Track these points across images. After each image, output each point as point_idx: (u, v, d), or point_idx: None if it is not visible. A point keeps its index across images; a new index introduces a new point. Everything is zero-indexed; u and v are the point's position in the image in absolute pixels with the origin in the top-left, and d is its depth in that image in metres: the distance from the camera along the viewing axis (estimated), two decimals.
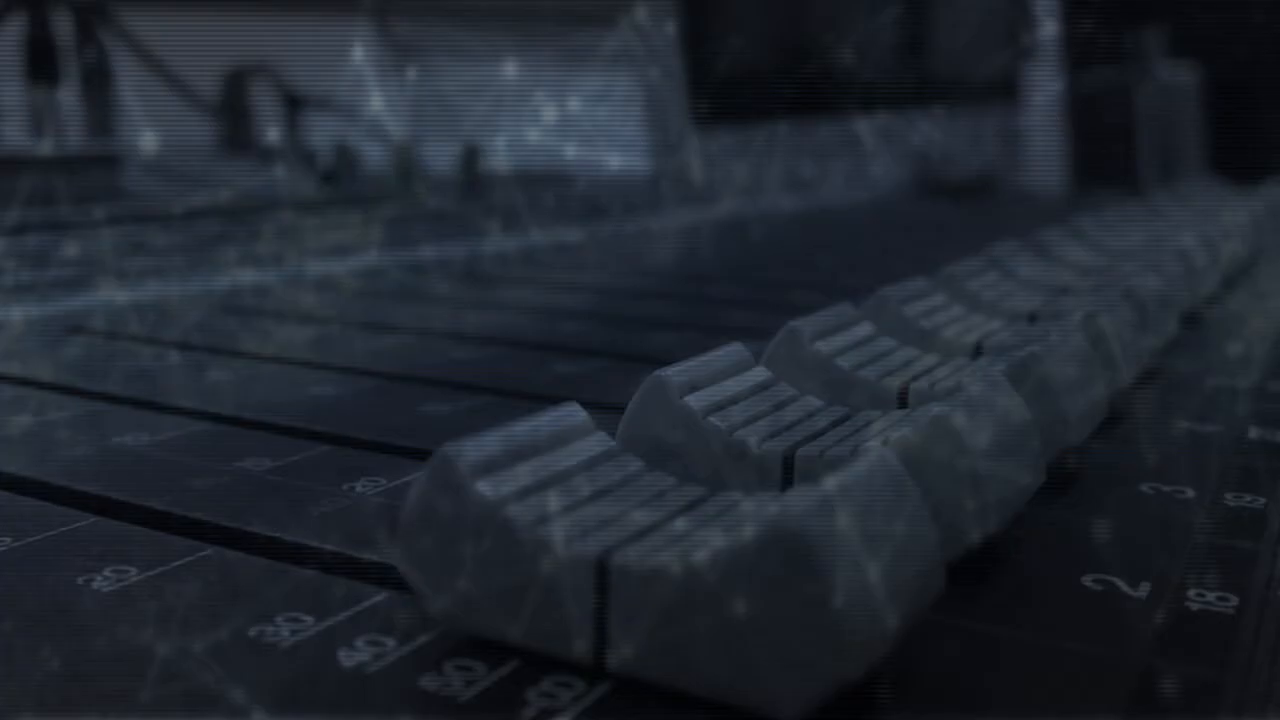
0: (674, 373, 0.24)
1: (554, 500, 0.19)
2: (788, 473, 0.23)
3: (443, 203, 1.04)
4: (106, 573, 0.22)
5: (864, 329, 0.31)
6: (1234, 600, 0.20)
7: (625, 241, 0.85)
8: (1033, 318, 0.37)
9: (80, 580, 0.21)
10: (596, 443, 0.21)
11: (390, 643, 0.19)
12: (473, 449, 0.19)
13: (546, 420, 0.20)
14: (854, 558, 0.16)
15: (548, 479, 0.19)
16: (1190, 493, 0.26)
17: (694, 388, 0.24)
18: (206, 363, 0.42)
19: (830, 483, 0.17)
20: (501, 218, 0.88)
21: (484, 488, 0.18)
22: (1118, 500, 0.26)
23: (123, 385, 0.38)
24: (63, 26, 1.28)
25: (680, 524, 0.18)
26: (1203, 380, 0.38)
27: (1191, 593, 0.21)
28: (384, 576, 0.21)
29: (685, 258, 0.80)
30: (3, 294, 0.58)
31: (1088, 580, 0.21)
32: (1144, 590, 0.21)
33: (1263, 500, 0.26)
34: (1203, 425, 0.32)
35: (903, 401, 0.27)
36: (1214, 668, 0.18)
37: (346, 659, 0.18)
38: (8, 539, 0.23)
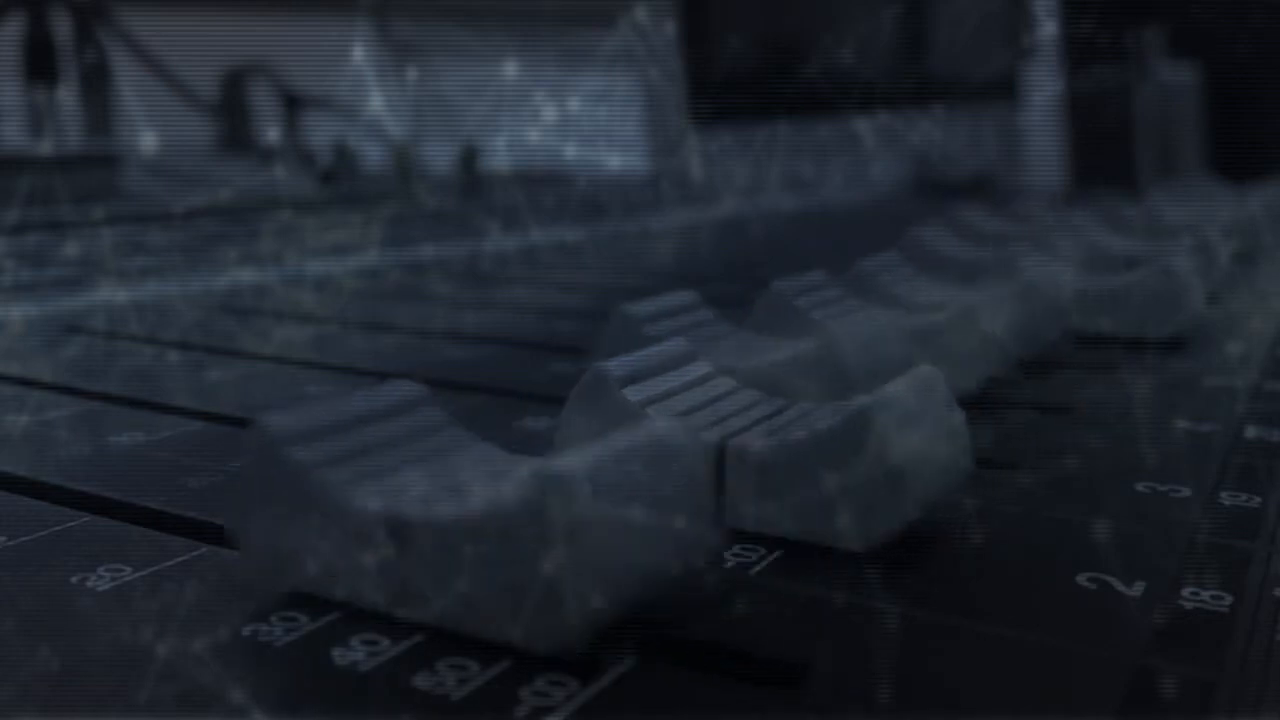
0: (614, 365, 0.25)
1: (365, 464, 0.20)
2: (720, 462, 0.23)
3: (442, 203, 1.04)
4: (101, 571, 0.22)
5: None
6: (1229, 599, 0.20)
7: (625, 241, 0.85)
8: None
9: (75, 579, 0.21)
10: (425, 415, 0.22)
11: (384, 641, 0.19)
12: (287, 417, 0.20)
13: (374, 393, 0.21)
14: (601, 528, 0.17)
15: (364, 447, 0.20)
16: (1186, 491, 0.26)
17: (634, 380, 0.25)
18: (205, 362, 0.42)
19: (583, 454, 0.18)
20: (501, 218, 0.88)
21: (298, 454, 0.19)
22: (1113, 499, 0.26)
23: (120, 385, 0.38)
24: (61, 26, 1.28)
25: (476, 486, 0.20)
26: (1200, 379, 0.38)
27: (1187, 591, 0.21)
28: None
29: (685, 258, 0.80)
30: (1, 293, 0.58)
31: (1082, 579, 0.21)
32: (1139, 589, 0.21)
33: (1259, 499, 0.26)
34: (1200, 424, 0.32)
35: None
36: (1209, 667, 0.18)
37: (340, 658, 0.18)
38: (3, 538, 0.23)
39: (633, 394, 0.24)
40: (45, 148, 1.18)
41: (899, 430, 0.22)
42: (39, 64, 1.24)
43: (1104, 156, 1.55)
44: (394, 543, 0.19)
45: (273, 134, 1.35)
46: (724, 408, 0.26)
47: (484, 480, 0.20)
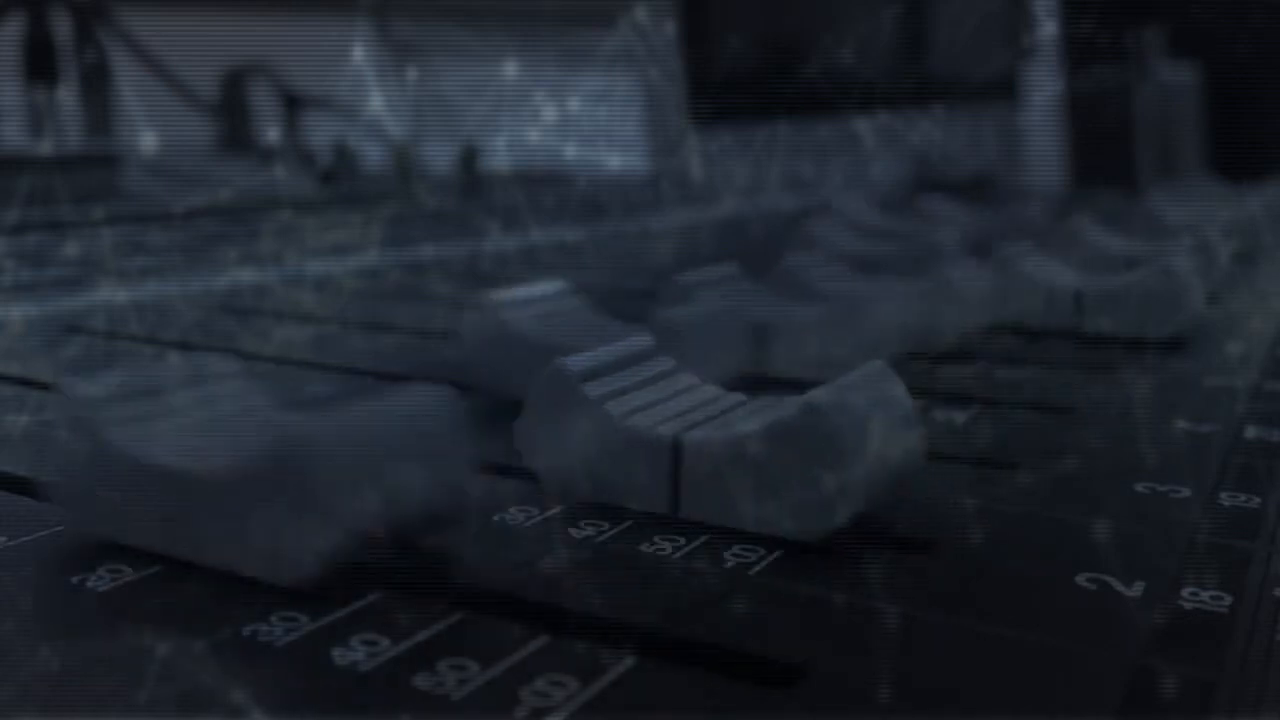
0: (574, 361, 0.26)
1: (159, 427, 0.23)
2: (677, 456, 0.24)
3: (442, 203, 1.04)
4: (101, 571, 0.22)
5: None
6: (1228, 600, 0.20)
7: (625, 241, 0.85)
8: None
9: (75, 579, 0.21)
10: (228, 385, 0.24)
11: (384, 641, 0.19)
12: (87, 385, 0.23)
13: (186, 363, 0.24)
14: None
15: (162, 410, 0.23)
16: (1186, 492, 0.26)
17: (593, 376, 0.26)
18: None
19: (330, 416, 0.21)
20: (501, 218, 0.88)
21: (97, 414, 0.22)
22: (1113, 499, 0.26)
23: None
24: (61, 26, 1.28)
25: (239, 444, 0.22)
26: (1200, 379, 0.38)
27: (1186, 592, 0.21)
28: (379, 576, 0.21)
29: (684, 257, 0.80)
30: (1, 293, 0.58)
31: (1082, 579, 0.21)
32: (1138, 589, 0.21)
33: (1259, 499, 0.26)
34: (1200, 424, 0.32)
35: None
36: (1208, 667, 0.18)
37: (340, 658, 0.18)
38: (3, 538, 0.23)
39: (592, 390, 0.25)
40: (45, 148, 1.18)
41: (848, 423, 0.23)
42: (39, 64, 1.24)
43: (1104, 156, 1.55)
44: (168, 490, 0.22)
45: (273, 134, 1.35)
46: (682, 403, 0.26)
47: (252, 438, 0.22)
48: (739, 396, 0.27)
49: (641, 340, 0.28)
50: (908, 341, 0.39)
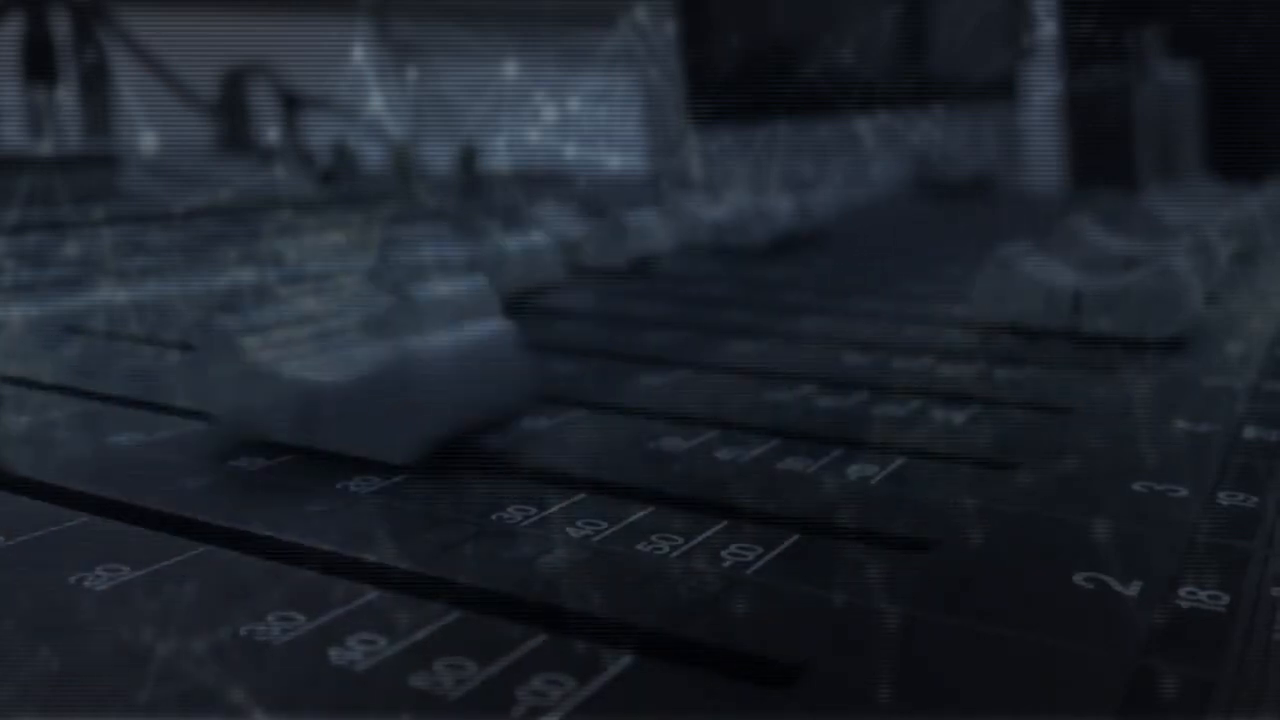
0: (230, 319, 0.31)
1: None
2: (315, 397, 0.29)
3: (442, 203, 1.04)
4: (100, 571, 0.22)
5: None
6: (1226, 599, 0.20)
7: None
8: None
9: (74, 579, 0.21)
10: None
11: (381, 641, 0.19)
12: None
13: None
14: None
15: None
16: (1185, 491, 0.26)
17: (250, 330, 0.30)
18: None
19: None
20: (500, 218, 0.88)
21: None
22: (1113, 499, 0.26)
23: (120, 385, 0.38)
24: (61, 26, 1.28)
25: None
26: (1200, 379, 0.38)
27: (1184, 591, 0.21)
28: (377, 575, 0.21)
29: None
30: (1, 293, 0.58)
31: (1079, 579, 0.21)
32: (1136, 589, 0.21)
33: (1257, 499, 0.26)
34: (1199, 424, 0.32)
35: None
36: (1206, 667, 0.18)
37: (337, 657, 0.18)
38: (2, 538, 0.23)
39: (247, 342, 0.30)
40: (45, 148, 1.18)
41: (435, 364, 0.28)
42: (39, 64, 1.24)
43: (1104, 156, 1.55)
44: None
45: (273, 134, 1.35)
46: (343, 354, 0.31)
47: None
48: (396, 344, 0.30)
49: (319, 302, 0.32)
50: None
